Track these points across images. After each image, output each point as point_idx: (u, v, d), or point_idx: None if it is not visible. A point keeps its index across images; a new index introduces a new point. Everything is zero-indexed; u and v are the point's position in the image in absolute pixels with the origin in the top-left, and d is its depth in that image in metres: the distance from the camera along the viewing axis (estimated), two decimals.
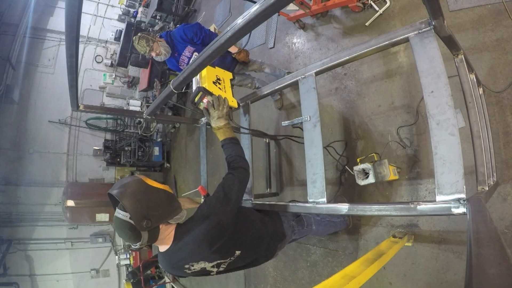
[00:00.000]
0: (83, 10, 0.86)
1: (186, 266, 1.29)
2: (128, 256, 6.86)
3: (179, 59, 2.78)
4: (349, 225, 2.51)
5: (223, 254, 1.32)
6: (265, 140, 3.10)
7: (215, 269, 1.37)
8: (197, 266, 1.30)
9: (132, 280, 5.57)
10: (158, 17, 6.85)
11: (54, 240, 6.69)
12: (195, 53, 2.71)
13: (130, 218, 1.09)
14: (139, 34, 2.65)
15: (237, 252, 1.37)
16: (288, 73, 3.21)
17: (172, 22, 6.68)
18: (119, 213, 1.13)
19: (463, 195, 0.98)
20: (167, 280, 5.94)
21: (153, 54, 2.67)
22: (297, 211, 1.63)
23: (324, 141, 1.51)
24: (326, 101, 2.92)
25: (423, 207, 1.06)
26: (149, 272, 6.07)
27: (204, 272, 1.37)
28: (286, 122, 1.71)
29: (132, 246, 1.18)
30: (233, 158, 1.49)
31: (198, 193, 1.84)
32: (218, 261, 1.33)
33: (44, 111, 6.96)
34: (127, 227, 1.11)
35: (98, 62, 7.84)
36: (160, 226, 1.19)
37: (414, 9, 2.39)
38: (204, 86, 1.67)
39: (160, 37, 2.75)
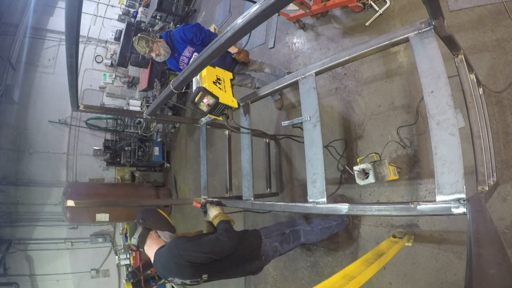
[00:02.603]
0: (83, 10, 0.87)
1: (170, 278, 1.57)
2: (128, 256, 6.85)
3: (179, 59, 2.78)
4: (349, 225, 2.51)
5: (189, 276, 1.54)
6: (265, 140, 3.10)
7: (194, 283, 1.60)
8: (177, 280, 1.58)
9: (132, 280, 5.55)
10: (158, 17, 6.85)
11: (54, 240, 6.69)
12: (195, 53, 2.71)
13: (137, 217, 1.72)
14: (138, 34, 2.64)
15: (204, 276, 1.57)
16: (288, 73, 3.21)
17: (172, 22, 6.68)
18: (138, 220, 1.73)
19: (463, 195, 0.98)
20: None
21: (153, 54, 2.67)
22: (297, 211, 1.64)
23: (324, 141, 1.51)
24: (326, 101, 2.92)
25: (423, 207, 1.06)
26: (149, 272, 6.06)
27: (188, 283, 1.60)
28: (286, 122, 1.71)
29: (132, 239, 1.68)
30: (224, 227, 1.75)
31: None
32: (189, 280, 1.55)
33: (44, 111, 6.95)
34: (133, 224, 1.73)
35: (98, 62, 7.83)
36: (150, 233, 1.69)
37: (414, 9, 2.39)
38: (204, 86, 1.68)
39: (160, 37, 2.74)
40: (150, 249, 1.66)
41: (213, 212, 1.92)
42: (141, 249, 1.69)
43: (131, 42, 6.45)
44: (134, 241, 1.67)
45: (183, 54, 2.75)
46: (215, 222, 1.84)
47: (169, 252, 1.55)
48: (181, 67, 2.78)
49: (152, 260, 1.65)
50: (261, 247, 1.84)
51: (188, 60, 2.74)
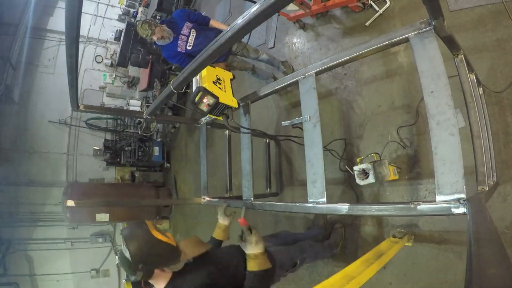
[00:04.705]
0: (83, 10, 0.87)
1: None
2: None
3: (178, 39, 2.84)
4: (338, 247, 2.53)
5: None
6: (265, 140, 3.10)
7: None
8: None
9: (132, 280, 5.55)
10: (158, 17, 6.83)
11: (54, 240, 6.67)
12: (193, 30, 2.83)
13: (130, 258, 1.25)
14: (141, 19, 2.72)
15: None
16: (283, 62, 3.26)
17: None
18: (124, 250, 1.29)
19: (463, 195, 0.98)
20: None
21: (154, 38, 2.75)
22: (297, 211, 1.63)
23: (324, 141, 1.51)
24: (326, 101, 2.92)
25: (423, 207, 1.06)
26: None
27: None
28: (286, 122, 1.71)
29: (131, 278, 1.32)
30: None
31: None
32: None
33: (44, 111, 6.94)
34: (127, 263, 1.27)
35: (98, 62, 7.82)
36: (155, 271, 1.31)
37: (414, 9, 2.39)
38: (204, 86, 1.68)
39: (162, 23, 2.82)
40: (158, 285, 1.38)
41: (253, 249, 1.44)
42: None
43: (131, 41, 6.44)
44: (134, 279, 1.35)
45: (182, 32, 2.84)
46: (250, 264, 1.43)
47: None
48: (179, 49, 2.86)
49: None
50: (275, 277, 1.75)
51: (187, 39, 2.84)
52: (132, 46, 6.37)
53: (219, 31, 2.90)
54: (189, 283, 1.32)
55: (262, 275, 1.39)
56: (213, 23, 2.99)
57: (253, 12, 0.81)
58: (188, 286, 1.31)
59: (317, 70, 1.55)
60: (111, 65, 7.81)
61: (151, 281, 1.37)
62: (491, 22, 1.98)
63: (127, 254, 1.27)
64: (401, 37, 1.21)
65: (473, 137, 1.39)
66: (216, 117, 1.83)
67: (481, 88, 1.66)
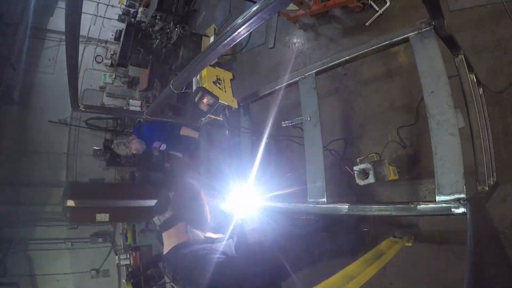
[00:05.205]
0: (83, 10, 0.87)
1: (176, 286, 1.36)
2: (128, 256, 6.84)
3: (151, 147, 3.35)
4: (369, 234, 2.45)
5: None
6: (265, 140, 3.10)
7: None
8: None
9: (132, 280, 5.56)
10: (158, 17, 6.83)
11: (54, 240, 6.67)
12: (163, 145, 3.34)
13: (173, 196, 1.39)
14: (115, 141, 3.36)
15: None
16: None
17: (172, 22, 6.66)
18: (170, 192, 1.43)
19: (463, 195, 0.98)
20: (167, 280, 5.93)
21: (134, 152, 3.31)
22: (297, 211, 1.64)
23: (324, 141, 1.51)
24: (326, 101, 2.91)
25: (423, 207, 1.06)
26: (149, 272, 6.07)
27: None
28: (286, 122, 1.71)
29: (155, 218, 1.42)
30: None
31: None
32: None
33: (44, 111, 6.93)
34: (166, 199, 1.40)
35: (98, 62, 7.82)
36: (178, 224, 1.37)
37: (414, 9, 2.39)
38: (204, 86, 1.68)
39: (132, 133, 3.35)
40: (169, 239, 1.40)
41: (249, 225, 1.57)
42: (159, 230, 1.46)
43: (131, 41, 6.44)
44: (156, 221, 1.42)
45: (153, 145, 3.35)
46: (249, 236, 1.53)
47: (194, 267, 1.25)
48: (153, 150, 3.40)
49: (164, 249, 1.40)
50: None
51: (158, 149, 3.36)
52: (132, 46, 6.36)
53: (189, 138, 3.48)
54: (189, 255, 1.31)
55: (260, 243, 1.46)
56: (184, 131, 3.37)
57: (253, 12, 0.81)
58: (190, 259, 1.29)
59: (317, 70, 1.55)
60: (111, 65, 7.80)
61: (166, 234, 1.40)
62: (491, 22, 1.98)
63: (171, 194, 1.41)
64: (401, 37, 1.21)
65: (473, 137, 1.39)
66: (216, 117, 1.83)
67: (481, 88, 1.66)
